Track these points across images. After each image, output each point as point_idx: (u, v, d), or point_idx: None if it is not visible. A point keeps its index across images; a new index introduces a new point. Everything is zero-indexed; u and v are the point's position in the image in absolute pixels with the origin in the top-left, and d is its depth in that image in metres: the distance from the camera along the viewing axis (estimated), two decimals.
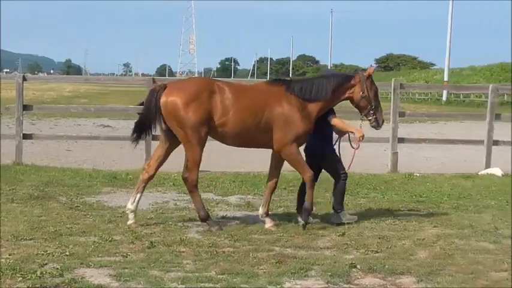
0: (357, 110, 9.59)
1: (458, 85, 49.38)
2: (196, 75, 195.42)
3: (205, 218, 9.03)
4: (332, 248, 8.08)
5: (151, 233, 8.58)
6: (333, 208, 9.64)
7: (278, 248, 7.97)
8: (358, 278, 6.92)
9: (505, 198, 11.73)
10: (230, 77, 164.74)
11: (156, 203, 10.64)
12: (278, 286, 6.56)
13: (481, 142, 15.70)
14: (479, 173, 14.86)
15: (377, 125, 9.47)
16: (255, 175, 13.66)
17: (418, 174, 14.27)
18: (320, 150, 9.52)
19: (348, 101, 9.50)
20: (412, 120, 32.28)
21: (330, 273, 6.94)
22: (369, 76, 9.41)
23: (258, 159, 15.89)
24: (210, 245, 8.01)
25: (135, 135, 9.22)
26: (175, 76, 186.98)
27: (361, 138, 9.37)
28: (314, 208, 9.54)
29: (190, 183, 9.01)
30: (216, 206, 10.47)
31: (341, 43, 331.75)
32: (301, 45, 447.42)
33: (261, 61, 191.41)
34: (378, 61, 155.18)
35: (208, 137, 9.02)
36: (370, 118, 9.41)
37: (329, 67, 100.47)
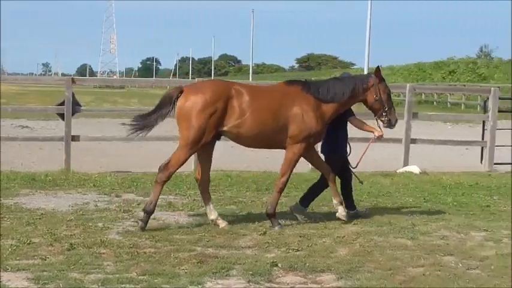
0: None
1: None
2: (117, 75, 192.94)
3: (149, 212, 9.00)
4: (253, 247, 8.12)
5: (71, 235, 8.44)
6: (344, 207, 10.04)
7: (200, 248, 7.97)
8: (279, 277, 6.98)
9: (422, 196, 12.02)
10: (152, 76, 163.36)
11: (76, 205, 10.46)
12: (199, 286, 6.57)
13: (399, 140, 16.01)
14: (397, 171, 15.16)
15: (390, 125, 9.80)
16: (176, 175, 13.55)
17: None
18: (328, 150, 9.93)
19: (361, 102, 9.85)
20: None
21: (251, 272, 6.98)
22: (382, 79, 9.71)
23: None
24: (131, 246, 7.95)
25: (136, 126, 9.22)
26: (96, 76, 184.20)
27: (380, 137, 9.90)
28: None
29: (162, 176, 9.02)
30: (137, 207, 10.36)
31: (263, 43, 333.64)
32: (223, 45, 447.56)
33: (183, 61, 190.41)
34: (299, 61, 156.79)
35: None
36: (383, 119, 9.73)
37: (251, 67, 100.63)
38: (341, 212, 9.58)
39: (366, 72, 58.97)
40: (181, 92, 9.06)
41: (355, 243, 8.40)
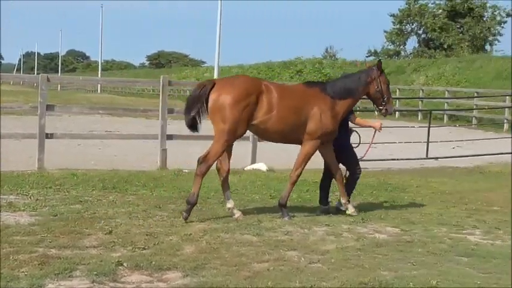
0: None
1: None
2: None
3: (193, 204, 9.57)
4: (98, 247, 7.95)
5: None
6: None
7: (42, 249, 7.71)
8: (124, 276, 6.89)
9: (268, 192, 12.22)
10: None
11: None
12: None
13: (246, 138, 16.17)
14: (245, 169, 15.36)
15: (386, 113, 10.52)
16: (19, 174, 13.12)
17: (187, 171, 14.43)
18: (338, 144, 10.45)
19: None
20: (182, 117, 32.58)
21: (95, 272, 6.84)
22: (382, 72, 10.40)
23: (19, 158, 15.32)
24: None
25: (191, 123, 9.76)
26: None
27: (379, 129, 10.95)
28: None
29: (202, 169, 9.54)
30: None
31: (112, 39, 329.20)
32: (71, 40, 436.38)
33: (28, 55, 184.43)
34: (149, 58, 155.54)
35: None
36: (381, 108, 10.47)
37: (99, 63, 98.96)
38: (350, 209, 10.47)
39: (216, 70, 59.52)
40: (213, 86, 9.49)
41: (201, 241, 8.42)
